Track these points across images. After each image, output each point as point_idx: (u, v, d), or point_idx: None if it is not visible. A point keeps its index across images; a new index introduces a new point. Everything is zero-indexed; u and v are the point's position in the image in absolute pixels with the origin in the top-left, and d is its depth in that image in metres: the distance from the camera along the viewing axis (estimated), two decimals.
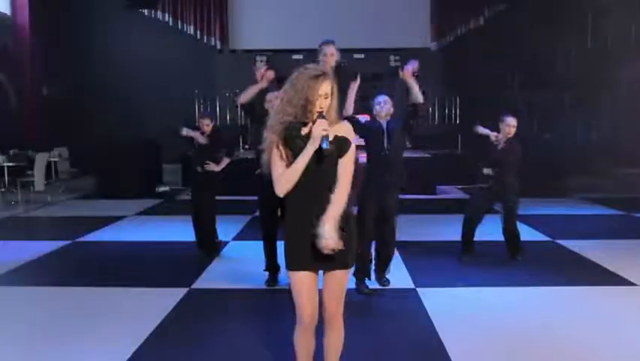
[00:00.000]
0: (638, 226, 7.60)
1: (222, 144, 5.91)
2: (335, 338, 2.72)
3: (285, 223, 2.67)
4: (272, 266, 4.96)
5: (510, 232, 5.73)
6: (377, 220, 4.65)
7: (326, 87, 2.50)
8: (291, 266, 2.61)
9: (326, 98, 2.51)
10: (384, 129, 4.60)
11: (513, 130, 5.50)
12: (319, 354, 2.79)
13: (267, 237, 4.92)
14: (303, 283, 2.59)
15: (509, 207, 5.66)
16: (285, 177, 2.50)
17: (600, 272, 5.30)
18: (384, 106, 4.65)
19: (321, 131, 2.44)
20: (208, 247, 5.87)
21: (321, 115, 2.49)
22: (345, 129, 2.60)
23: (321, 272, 2.66)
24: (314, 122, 2.48)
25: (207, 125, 5.75)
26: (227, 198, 7.91)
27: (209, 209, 5.81)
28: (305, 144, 2.48)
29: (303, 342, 2.69)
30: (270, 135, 2.52)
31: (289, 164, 2.51)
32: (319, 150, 2.47)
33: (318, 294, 2.65)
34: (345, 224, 2.55)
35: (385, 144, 4.54)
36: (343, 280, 2.64)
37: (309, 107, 2.48)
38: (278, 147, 2.52)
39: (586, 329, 3.93)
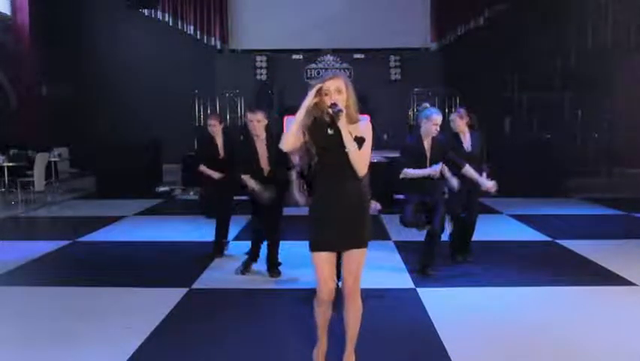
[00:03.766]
0: (638, 226, 7.60)
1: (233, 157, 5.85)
2: (354, 313, 3.05)
3: (309, 209, 3.04)
4: (254, 255, 5.26)
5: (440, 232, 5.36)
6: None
7: (336, 84, 2.84)
8: (313, 247, 2.96)
9: (339, 93, 2.84)
10: None
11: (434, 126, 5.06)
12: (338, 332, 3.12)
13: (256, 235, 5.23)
14: (323, 263, 2.95)
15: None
16: (286, 133, 2.89)
17: (600, 272, 5.30)
18: None
19: (333, 106, 2.81)
20: (220, 247, 5.89)
21: (334, 105, 2.80)
22: (364, 129, 2.93)
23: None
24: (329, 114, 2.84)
25: (213, 125, 5.72)
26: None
27: (228, 211, 5.91)
28: (329, 142, 2.87)
29: (321, 313, 3.06)
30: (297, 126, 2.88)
31: (306, 145, 2.91)
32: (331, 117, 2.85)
33: (336, 272, 3.02)
34: (363, 200, 3.00)
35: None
36: (360, 258, 2.98)
37: (321, 100, 2.84)
38: (303, 132, 2.88)
39: (586, 329, 3.93)
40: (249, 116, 4.94)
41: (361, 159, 2.88)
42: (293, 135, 2.86)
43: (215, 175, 5.63)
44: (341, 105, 2.83)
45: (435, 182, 5.01)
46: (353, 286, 3.00)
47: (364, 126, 2.94)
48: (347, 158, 2.86)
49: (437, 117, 4.90)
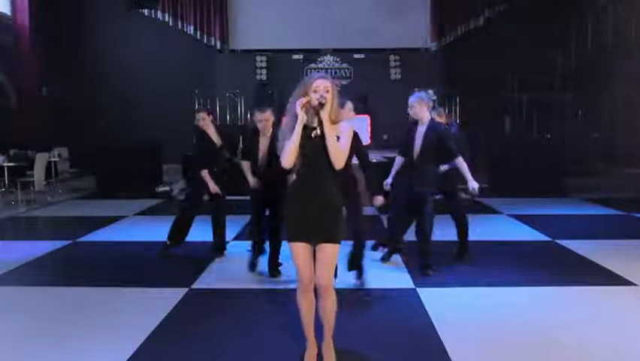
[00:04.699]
0: (638, 226, 7.60)
1: (229, 142, 5.95)
2: (329, 305, 3.19)
3: (286, 203, 3.23)
4: (259, 247, 5.26)
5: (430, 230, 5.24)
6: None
7: (325, 83, 3.09)
8: (290, 238, 3.18)
9: (326, 92, 3.07)
10: None
11: (411, 110, 5.15)
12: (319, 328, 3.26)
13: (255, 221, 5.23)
14: (300, 252, 3.16)
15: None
16: (286, 148, 3.07)
17: (600, 272, 5.30)
18: None
19: (304, 102, 3.04)
20: (221, 247, 5.91)
21: (321, 97, 3.03)
22: (344, 128, 3.15)
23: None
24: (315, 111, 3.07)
25: (203, 118, 5.74)
26: (228, 198, 7.89)
27: (224, 209, 5.93)
28: (313, 145, 3.09)
29: (303, 300, 3.23)
30: (286, 131, 3.11)
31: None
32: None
33: (312, 260, 3.19)
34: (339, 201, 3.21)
35: None
36: (332, 252, 3.16)
37: (310, 98, 3.05)
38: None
39: (586, 329, 3.93)
40: (258, 115, 5.02)
41: (339, 151, 3.09)
42: (293, 153, 3.08)
43: (212, 187, 5.64)
44: (329, 103, 3.08)
45: (418, 175, 4.98)
46: (326, 278, 3.16)
47: (344, 127, 3.17)
48: (327, 158, 3.08)
49: (409, 101, 5.05)
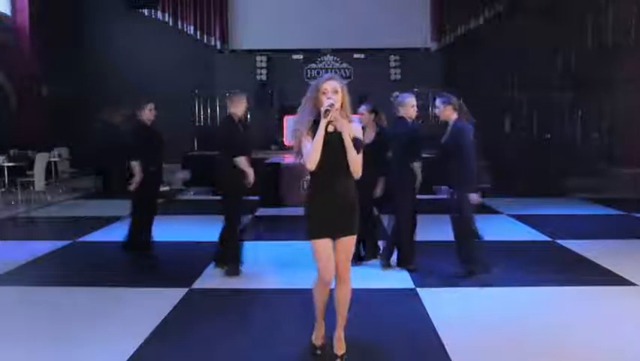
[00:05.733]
0: (638, 226, 7.60)
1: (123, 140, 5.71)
2: (345, 292, 3.35)
3: (307, 201, 3.30)
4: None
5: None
6: None
7: (332, 84, 3.16)
8: (313, 235, 3.24)
9: (335, 93, 3.14)
10: None
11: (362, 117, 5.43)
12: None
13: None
14: (322, 249, 3.24)
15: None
16: (310, 152, 3.11)
17: (600, 272, 5.30)
18: None
19: (326, 105, 3.07)
20: (143, 246, 5.70)
21: (329, 106, 3.07)
22: (357, 130, 3.24)
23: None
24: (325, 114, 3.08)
25: (154, 109, 5.56)
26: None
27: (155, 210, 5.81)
28: (328, 140, 3.11)
29: (320, 293, 3.35)
30: (300, 128, 3.20)
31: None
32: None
33: (333, 256, 3.28)
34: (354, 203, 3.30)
35: None
36: (350, 244, 3.32)
37: (320, 101, 3.12)
38: (306, 135, 3.17)
39: (586, 329, 3.93)
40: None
41: (359, 163, 3.19)
42: (318, 155, 3.11)
43: (136, 181, 5.44)
44: (337, 104, 3.13)
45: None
46: (344, 268, 3.31)
47: (356, 127, 3.26)
48: (343, 155, 3.15)
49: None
